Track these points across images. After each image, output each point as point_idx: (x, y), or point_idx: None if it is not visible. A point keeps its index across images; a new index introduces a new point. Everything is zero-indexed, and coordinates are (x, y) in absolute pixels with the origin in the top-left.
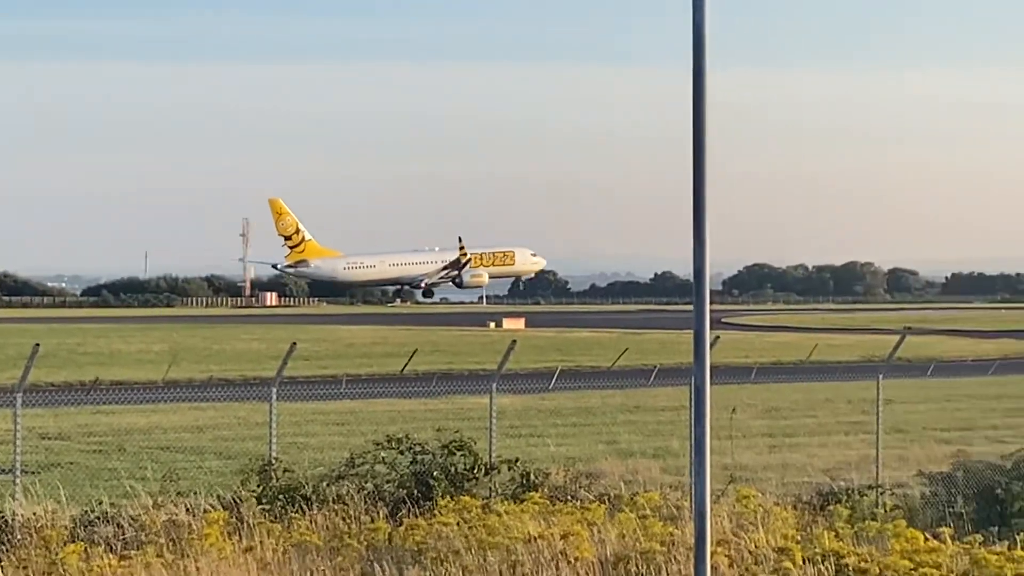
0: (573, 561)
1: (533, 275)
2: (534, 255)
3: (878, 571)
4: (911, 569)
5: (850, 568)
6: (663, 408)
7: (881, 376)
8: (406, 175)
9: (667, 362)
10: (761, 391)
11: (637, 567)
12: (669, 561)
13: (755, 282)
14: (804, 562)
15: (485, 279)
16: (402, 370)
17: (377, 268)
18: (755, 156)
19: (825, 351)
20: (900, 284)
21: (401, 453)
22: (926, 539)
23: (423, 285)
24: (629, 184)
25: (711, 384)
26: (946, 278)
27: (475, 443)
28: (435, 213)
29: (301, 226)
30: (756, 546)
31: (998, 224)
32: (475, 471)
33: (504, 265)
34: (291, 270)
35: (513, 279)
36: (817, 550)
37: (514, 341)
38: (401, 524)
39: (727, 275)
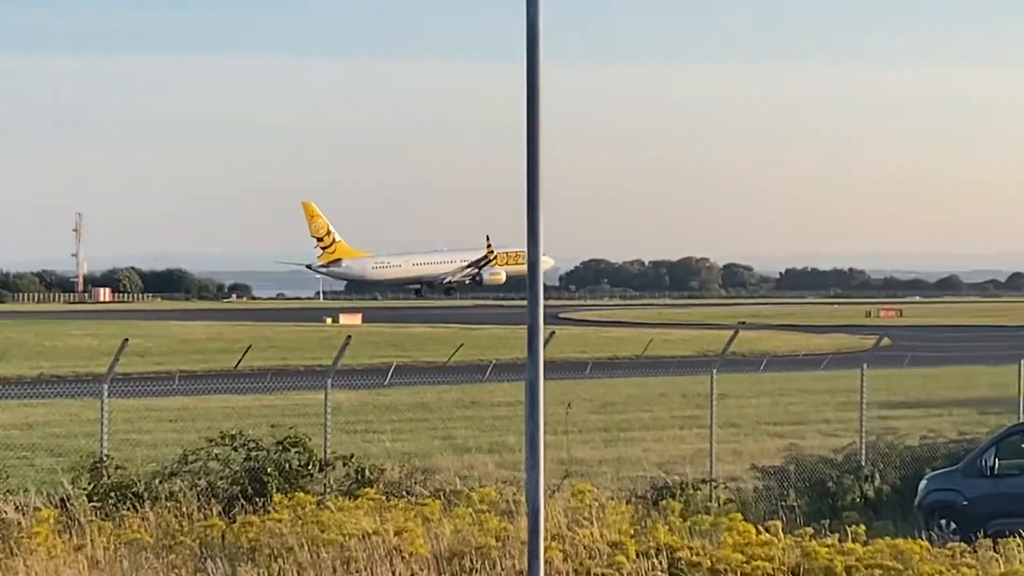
0: (407, 556)
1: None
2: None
3: (710, 564)
4: (743, 562)
5: (683, 562)
6: (499, 403)
7: (715, 371)
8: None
9: (503, 357)
10: (597, 386)
11: (472, 562)
12: (504, 556)
13: (592, 277)
14: (638, 556)
15: (503, 277)
16: (236, 366)
17: (403, 268)
18: (593, 151)
19: (660, 346)
20: (735, 279)
21: (235, 450)
22: (758, 532)
23: (445, 283)
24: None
25: (547, 379)
26: (780, 273)
27: (310, 439)
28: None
29: (332, 228)
30: (590, 540)
31: (831, 220)
32: (310, 467)
33: (519, 264)
34: (324, 270)
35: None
36: (651, 544)
37: (349, 337)
38: (235, 521)
39: (564, 270)
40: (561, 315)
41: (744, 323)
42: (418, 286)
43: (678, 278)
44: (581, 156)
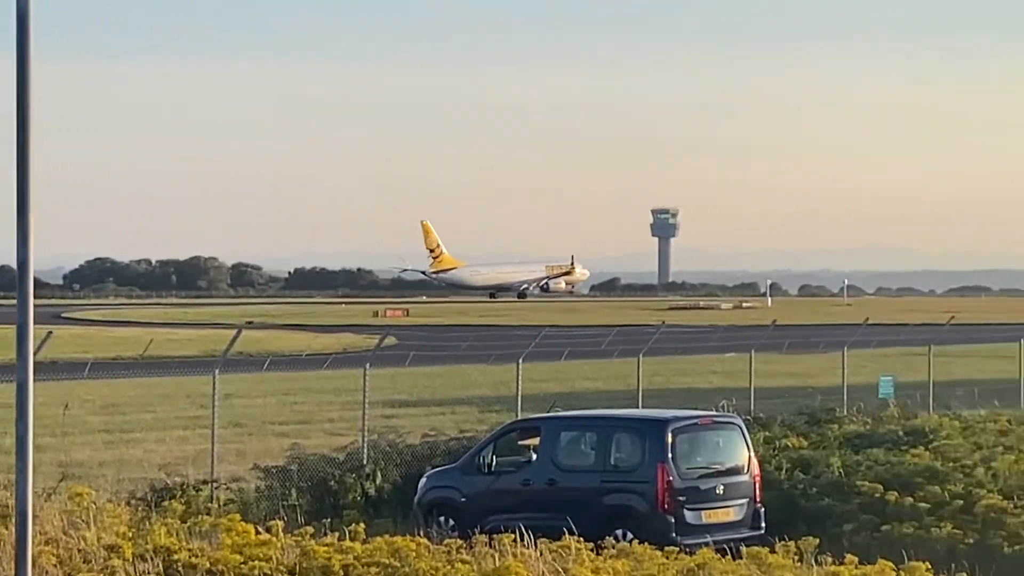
0: None
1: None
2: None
3: (208, 566)
4: (241, 563)
5: (180, 563)
6: None
7: (217, 370)
8: None
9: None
10: (100, 386)
11: None
12: None
13: (97, 276)
14: (134, 559)
15: (563, 286)
16: None
17: (491, 275)
18: (91, 150)
19: (166, 346)
20: (244, 279)
21: None
22: (258, 532)
23: (521, 289)
24: None
25: (46, 380)
26: (289, 273)
27: None
28: None
29: (439, 242)
30: (86, 544)
31: (333, 220)
32: None
33: (570, 275)
34: (435, 276)
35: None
36: (148, 546)
37: None
38: None
39: (68, 269)
40: (64, 315)
41: (251, 322)
42: (493, 291)
43: (186, 277)
44: (78, 154)
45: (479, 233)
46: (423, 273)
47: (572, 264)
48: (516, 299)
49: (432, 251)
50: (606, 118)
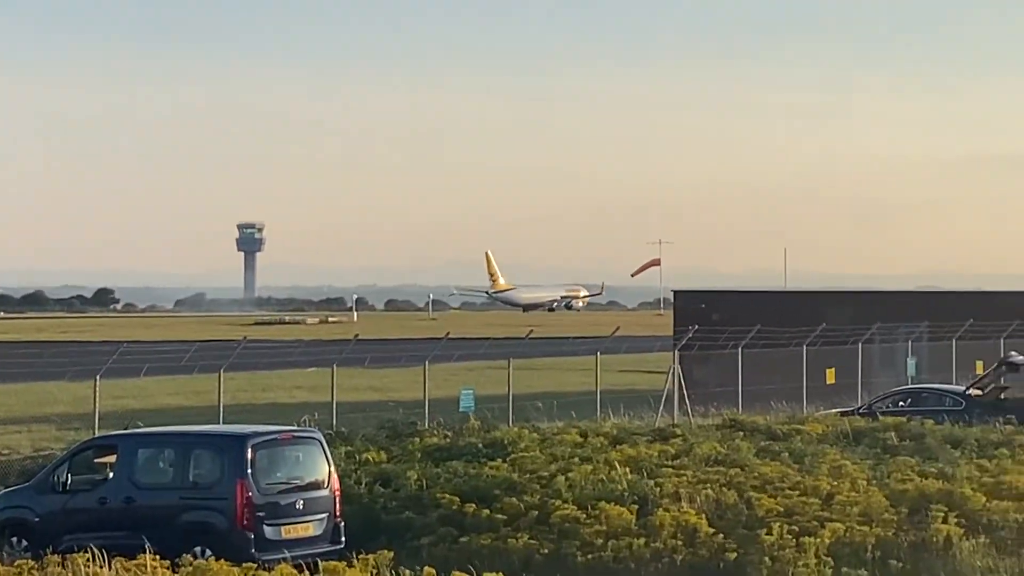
0: None
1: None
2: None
3: None
4: None
5: None
6: None
7: None
8: None
9: None
10: None
11: None
12: None
13: None
14: None
15: (580, 306)
16: None
17: (532, 295)
18: None
19: None
20: None
21: None
22: None
23: (552, 307)
24: None
25: None
26: None
27: None
28: None
29: (497, 269)
30: None
31: None
32: None
33: (585, 294)
34: (496, 296)
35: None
36: None
37: None
38: None
39: None
40: None
41: None
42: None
43: None
44: None
45: (62, 248)
46: (486, 293)
47: (601, 291)
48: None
49: (492, 276)
50: (190, 133)
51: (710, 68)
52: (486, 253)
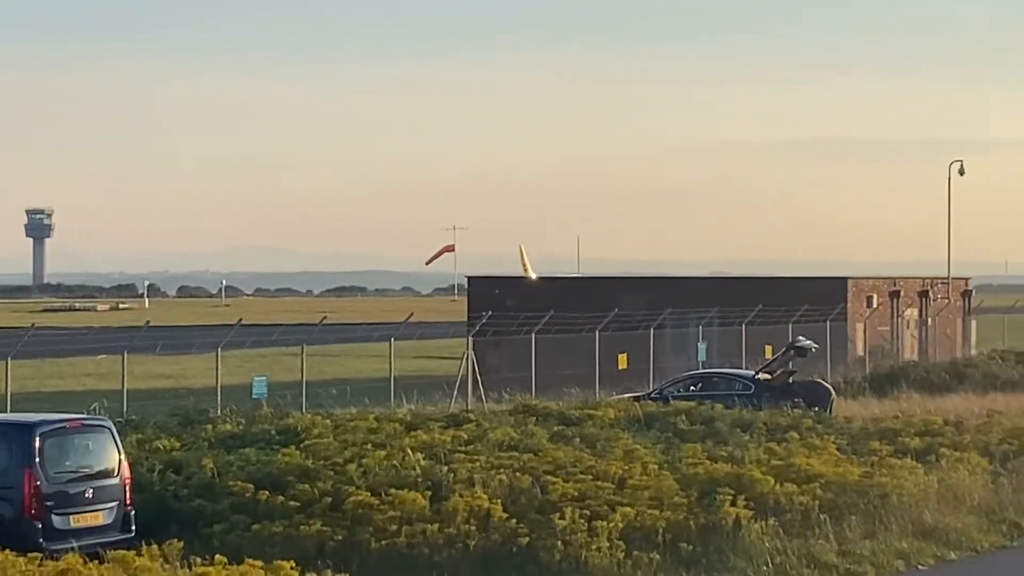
0: None
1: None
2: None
3: None
4: None
5: None
6: None
7: None
8: None
9: None
10: None
11: None
12: None
13: None
14: None
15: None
16: None
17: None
18: None
19: None
20: None
21: None
22: None
23: None
24: None
25: None
26: None
27: None
28: None
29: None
30: None
31: None
32: None
33: None
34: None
35: None
36: None
37: None
38: None
39: None
40: None
41: None
42: None
43: None
44: None
45: None
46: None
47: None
48: None
49: (525, 267)
50: None
51: (508, 59)
52: (520, 247)
